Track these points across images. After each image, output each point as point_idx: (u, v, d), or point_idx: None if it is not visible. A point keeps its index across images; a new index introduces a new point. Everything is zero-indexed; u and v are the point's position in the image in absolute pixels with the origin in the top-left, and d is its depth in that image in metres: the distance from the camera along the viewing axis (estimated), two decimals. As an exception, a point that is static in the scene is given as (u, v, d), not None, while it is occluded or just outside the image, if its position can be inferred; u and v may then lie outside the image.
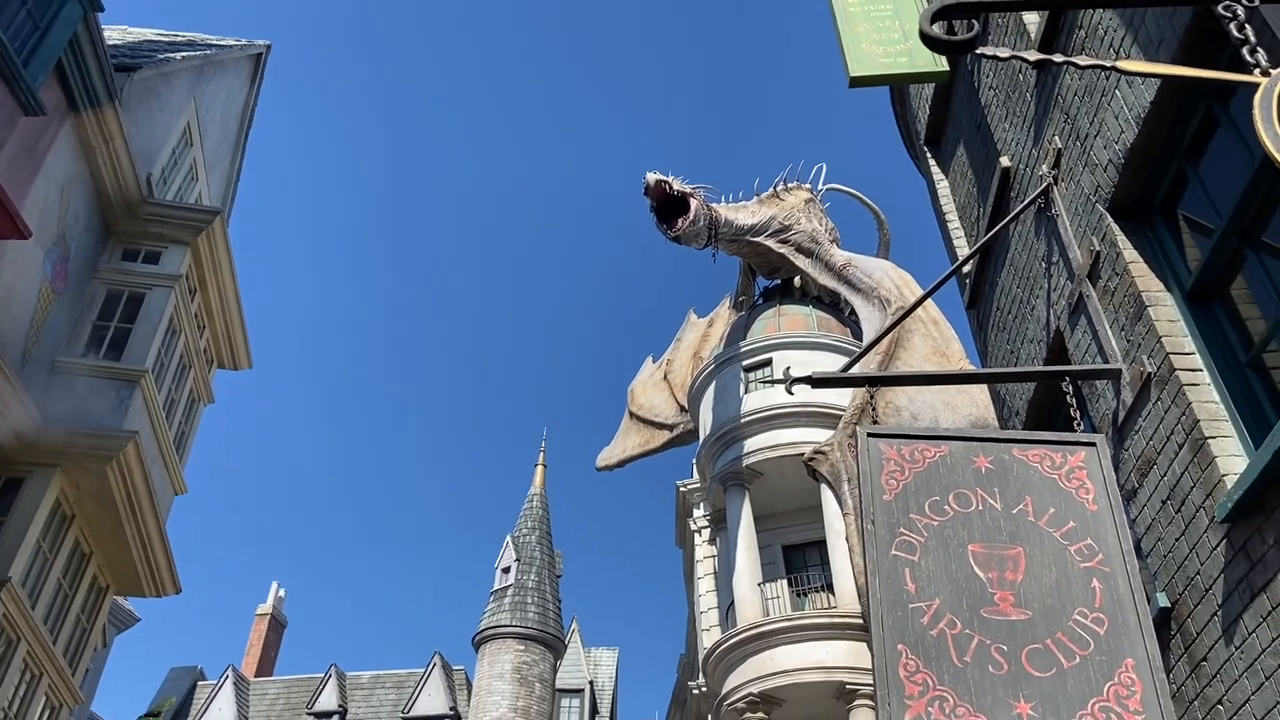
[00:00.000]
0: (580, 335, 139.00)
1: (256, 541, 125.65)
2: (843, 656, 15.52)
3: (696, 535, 21.40)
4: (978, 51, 3.64)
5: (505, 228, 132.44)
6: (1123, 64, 3.45)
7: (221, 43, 14.90)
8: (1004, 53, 3.67)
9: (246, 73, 15.90)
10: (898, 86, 11.14)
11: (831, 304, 20.63)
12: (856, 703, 15.18)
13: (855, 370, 6.51)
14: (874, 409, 6.13)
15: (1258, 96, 2.97)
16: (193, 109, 13.83)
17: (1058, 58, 3.64)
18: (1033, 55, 3.69)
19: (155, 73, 12.19)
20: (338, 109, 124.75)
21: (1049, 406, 7.07)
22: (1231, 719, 4.27)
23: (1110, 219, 5.54)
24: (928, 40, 3.39)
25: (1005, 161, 7.35)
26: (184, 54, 13.06)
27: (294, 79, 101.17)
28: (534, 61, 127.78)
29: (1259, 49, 3.14)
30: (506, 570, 30.01)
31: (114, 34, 13.66)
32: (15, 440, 10.03)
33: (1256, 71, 3.12)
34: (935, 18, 3.43)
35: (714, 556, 20.36)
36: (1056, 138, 6.29)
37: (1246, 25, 3.17)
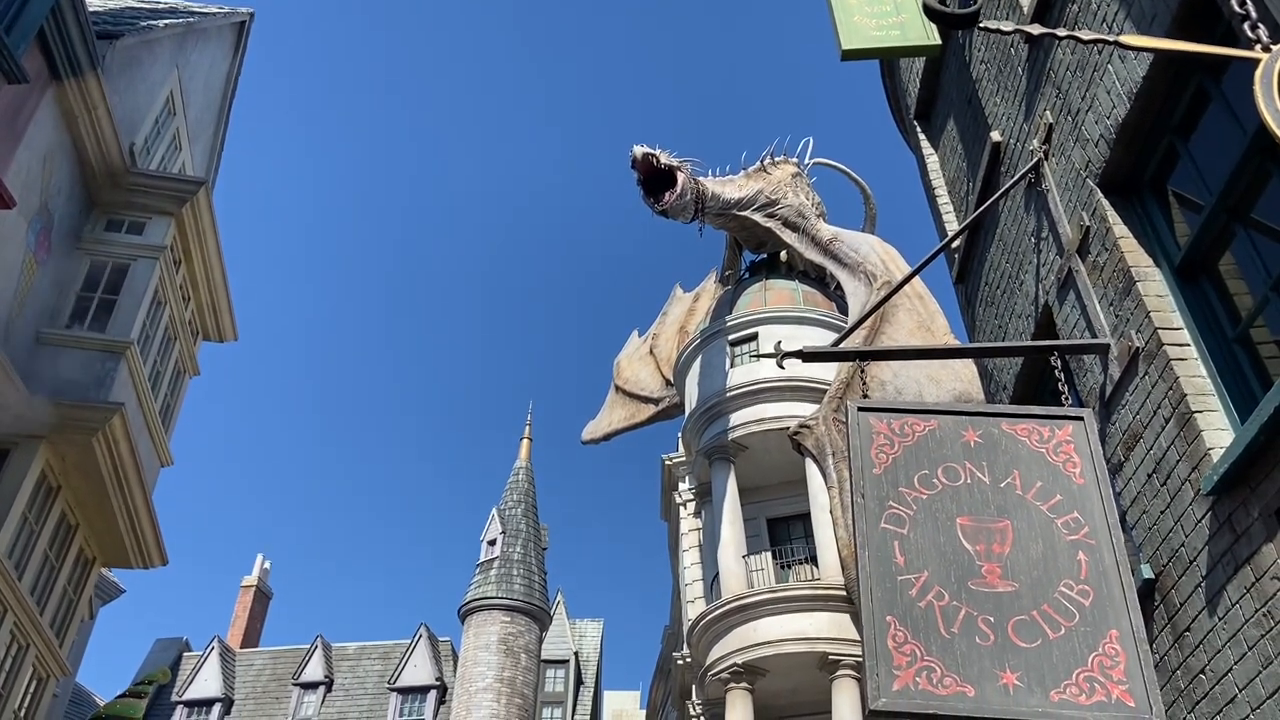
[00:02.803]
0: (566, 309, 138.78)
1: (242, 513, 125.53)
2: (826, 627, 15.66)
3: (682, 508, 21.50)
4: (981, 25, 3.63)
5: (492, 201, 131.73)
6: (1125, 39, 3.45)
7: (204, 10, 14.70)
8: (1008, 27, 3.67)
9: (229, 41, 15.71)
10: (888, 60, 11.10)
11: (817, 278, 20.64)
12: (839, 673, 15.34)
13: (843, 345, 6.53)
14: (863, 383, 6.16)
15: (1258, 73, 2.97)
16: (175, 77, 13.66)
17: (1060, 32, 3.64)
18: (1036, 29, 3.69)
19: (138, 40, 12.04)
20: (321, 78, 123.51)
21: (1036, 381, 7.12)
22: (1213, 688, 4.34)
23: (1100, 194, 5.56)
24: (931, 13, 3.38)
25: (996, 136, 7.35)
26: (166, 21, 12.89)
27: (278, 48, 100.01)
28: (519, 34, 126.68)
29: (1260, 24, 3.14)
30: (492, 543, 30.08)
31: (95, 0, 13.46)
32: (0, 412, 9.97)
33: (1257, 48, 3.12)
34: (935, -9, 3.44)
35: (699, 529, 20.47)
36: (1048, 112, 6.29)
37: (1247, 1, 3.16)
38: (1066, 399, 5.33)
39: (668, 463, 22.79)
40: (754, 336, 19.32)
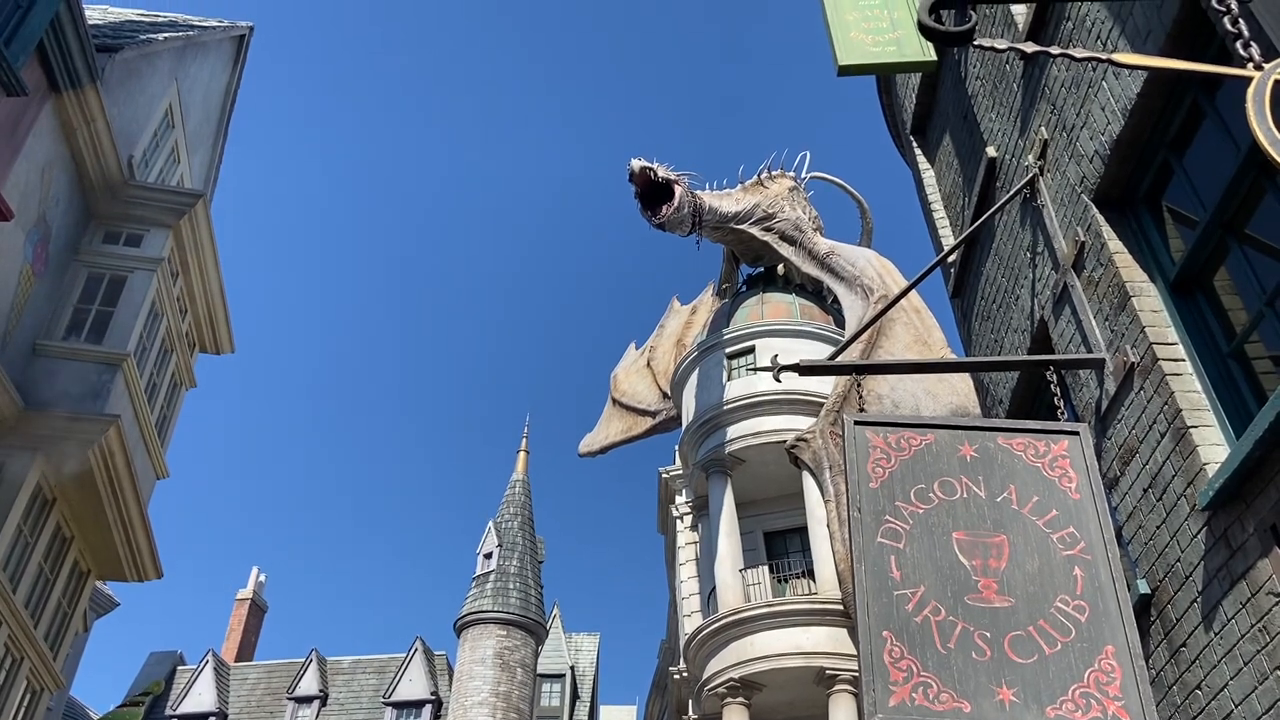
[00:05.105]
0: (563, 321, 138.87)
1: (237, 526, 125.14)
2: (823, 642, 15.63)
3: (679, 521, 21.47)
4: (975, 43, 3.65)
5: (489, 214, 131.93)
6: (1118, 56, 3.47)
7: (204, 24, 14.75)
8: (1002, 44, 3.69)
9: (229, 54, 15.76)
10: (885, 76, 11.15)
11: (814, 292, 20.69)
12: (836, 688, 15.31)
13: (840, 359, 6.55)
14: (860, 397, 6.17)
15: (1250, 90, 2.99)
16: (174, 90, 13.70)
17: (1054, 49, 3.66)
18: (1030, 47, 3.72)
19: (137, 53, 12.08)
20: (319, 92, 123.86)
21: (1032, 396, 7.13)
22: (1209, 704, 4.34)
23: (1095, 210, 5.59)
24: (926, 31, 3.40)
25: (991, 152, 7.38)
26: (166, 35, 12.93)
27: (277, 62, 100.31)
28: (518, 49, 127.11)
29: (1252, 43, 3.17)
30: (488, 556, 30.00)
31: (95, 14, 13.51)
32: (-5, 424, 9.95)
33: (1250, 65, 3.14)
34: (932, 9, 3.45)
35: (696, 543, 20.43)
36: (1043, 128, 6.33)
37: (1240, 20, 3.19)
38: (1062, 413, 5.33)
39: (665, 476, 22.77)
40: (751, 349, 19.35)
